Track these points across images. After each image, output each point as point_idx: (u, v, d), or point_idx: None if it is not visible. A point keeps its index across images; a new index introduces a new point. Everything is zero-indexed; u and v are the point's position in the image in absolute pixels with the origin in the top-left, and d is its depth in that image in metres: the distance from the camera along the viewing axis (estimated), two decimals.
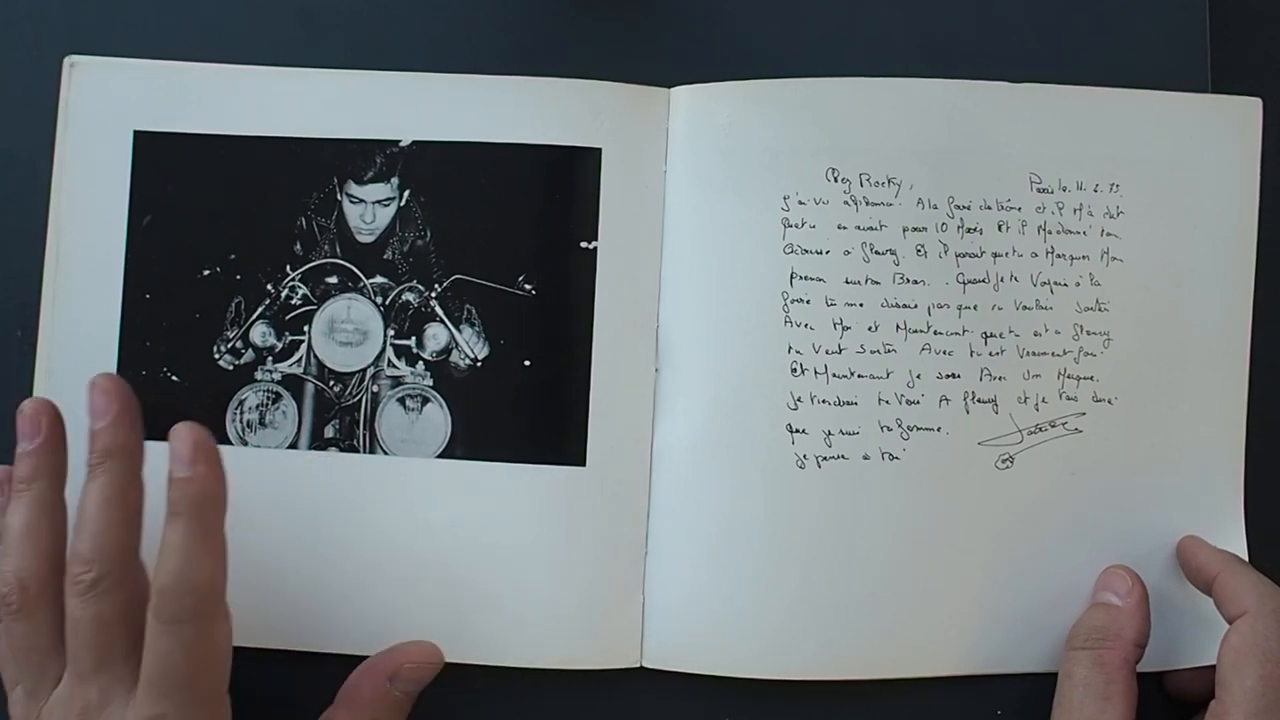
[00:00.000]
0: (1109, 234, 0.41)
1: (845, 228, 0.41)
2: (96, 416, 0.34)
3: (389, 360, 0.41)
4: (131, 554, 0.34)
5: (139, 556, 0.34)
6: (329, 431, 0.41)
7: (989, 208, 0.41)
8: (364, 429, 0.41)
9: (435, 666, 0.39)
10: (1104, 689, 0.37)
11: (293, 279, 0.41)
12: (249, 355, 0.41)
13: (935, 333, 0.41)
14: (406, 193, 0.41)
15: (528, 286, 0.41)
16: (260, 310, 0.41)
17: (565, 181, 0.41)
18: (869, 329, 0.40)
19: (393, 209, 0.41)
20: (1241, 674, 0.35)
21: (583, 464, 0.40)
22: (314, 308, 0.41)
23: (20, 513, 0.34)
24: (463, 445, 0.40)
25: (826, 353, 0.40)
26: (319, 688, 0.39)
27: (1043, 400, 0.41)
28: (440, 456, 0.40)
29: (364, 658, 0.39)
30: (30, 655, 0.34)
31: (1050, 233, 0.41)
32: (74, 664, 0.33)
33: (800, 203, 0.41)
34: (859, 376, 0.40)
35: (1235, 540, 0.41)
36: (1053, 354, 0.41)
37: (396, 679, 0.38)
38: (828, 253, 0.41)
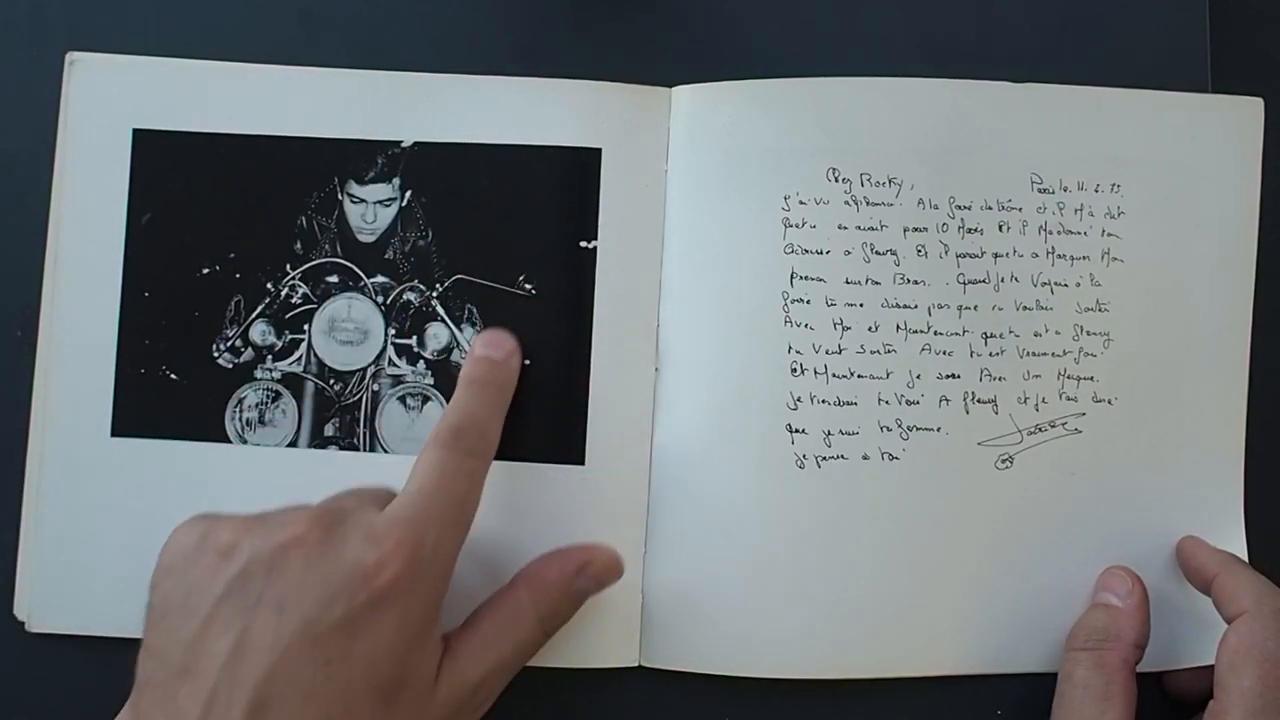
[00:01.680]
0: (1110, 234, 0.41)
1: (846, 228, 0.41)
2: (498, 350, 0.39)
3: (390, 359, 0.41)
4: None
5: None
6: (329, 430, 0.41)
7: (990, 208, 0.41)
8: (364, 427, 0.41)
9: (619, 574, 0.39)
10: (1104, 690, 0.37)
11: (293, 278, 0.41)
12: (248, 354, 0.41)
13: (935, 333, 0.41)
14: (408, 193, 0.41)
15: (528, 286, 0.41)
16: (260, 309, 0.41)
17: (566, 181, 0.41)
18: (869, 329, 0.40)
19: (394, 209, 0.41)
20: (1239, 674, 0.35)
21: (582, 463, 0.40)
22: (314, 307, 0.41)
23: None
24: None
25: (826, 353, 0.40)
26: None
27: (1043, 400, 0.41)
28: None
29: None
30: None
31: (1051, 233, 0.41)
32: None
33: (801, 202, 0.41)
34: (859, 376, 0.40)
35: (1235, 540, 0.41)
36: (1053, 354, 0.41)
37: (583, 574, 0.38)
38: (828, 253, 0.41)
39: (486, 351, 0.39)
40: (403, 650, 0.33)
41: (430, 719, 0.34)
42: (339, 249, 0.41)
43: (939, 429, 0.40)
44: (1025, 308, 0.41)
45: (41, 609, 0.40)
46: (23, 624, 0.40)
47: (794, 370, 0.40)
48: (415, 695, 0.33)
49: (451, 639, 0.35)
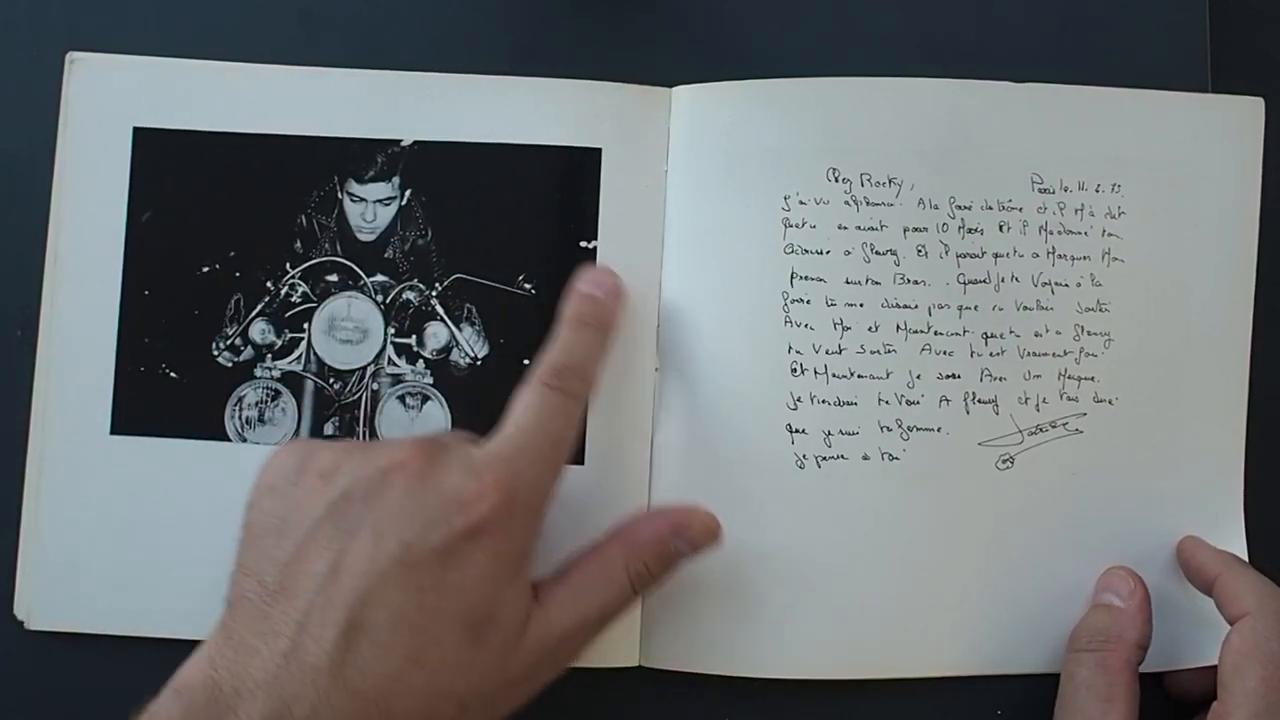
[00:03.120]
0: (1110, 234, 0.41)
1: (846, 228, 0.41)
2: (602, 288, 0.39)
3: (389, 358, 0.41)
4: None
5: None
6: (328, 429, 0.41)
7: (990, 208, 0.41)
8: (364, 426, 0.41)
9: (716, 539, 0.38)
10: (1107, 691, 0.37)
11: (292, 276, 0.41)
12: (248, 352, 0.41)
13: (936, 333, 0.41)
14: (408, 192, 0.41)
15: (528, 286, 0.41)
16: (260, 307, 0.41)
17: (566, 181, 0.41)
18: (869, 329, 0.40)
19: (394, 208, 0.41)
20: (1243, 676, 0.35)
21: (582, 462, 0.40)
22: (314, 305, 0.41)
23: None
24: None
25: (826, 353, 0.40)
26: None
27: (1043, 401, 0.41)
28: None
29: None
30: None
31: (1051, 233, 0.41)
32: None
33: (801, 203, 0.41)
34: (859, 377, 0.40)
35: (1235, 540, 0.41)
36: (1053, 354, 0.41)
37: (678, 536, 0.37)
38: (828, 253, 0.41)
39: (590, 289, 0.39)
40: (493, 586, 0.33)
41: (515, 664, 0.34)
42: (339, 248, 0.41)
43: (939, 429, 0.40)
44: (1026, 308, 0.41)
45: (41, 608, 0.40)
46: (22, 622, 0.40)
47: (794, 370, 0.40)
48: (503, 635, 0.33)
49: (541, 588, 0.36)
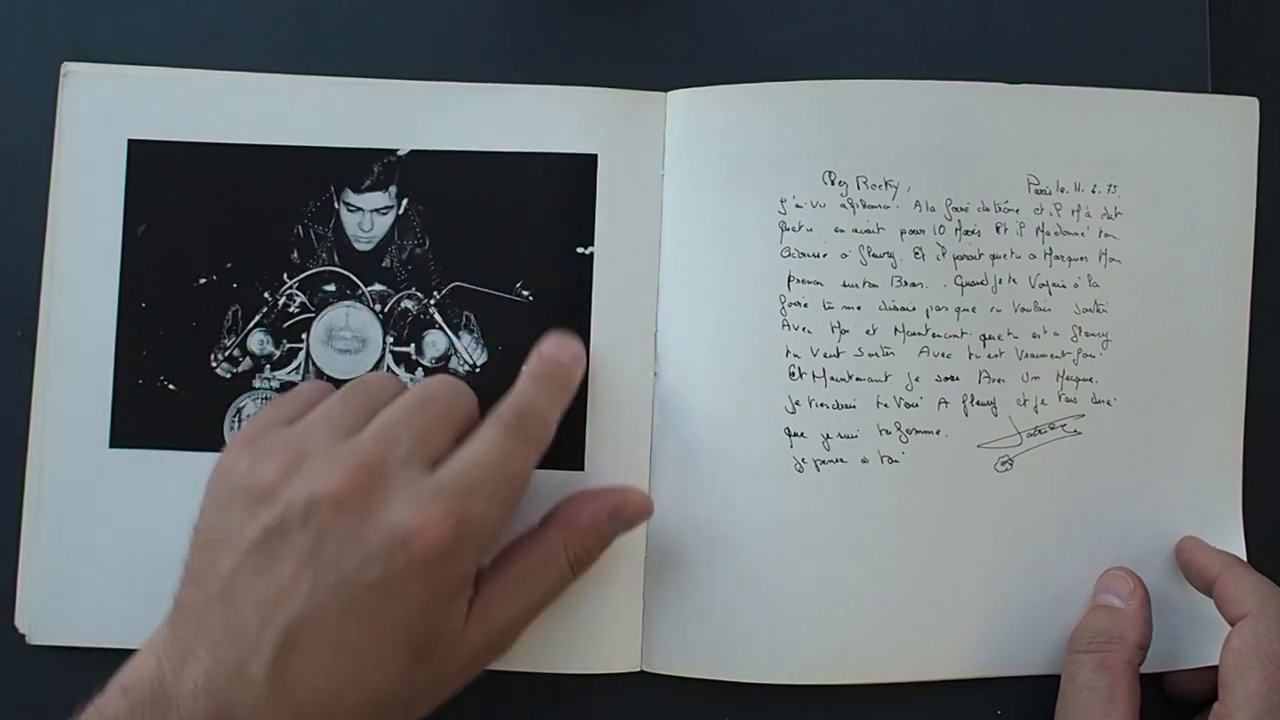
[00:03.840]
0: (1107, 235, 0.41)
1: (843, 230, 0.41)
2: (565, 352, 0.39)
3: (388, 367, 0.41)
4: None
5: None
6: None
7: (987, 209, 0.41)
8: None
9: (650, 514, 0.39)
10: (1108, 692, 0.37)
11: (290, 287, 0.41)
12: (247, 363, 0.41)
13: (933, 335, 0.41)
14: (405, 201, 0.41)
15: (526, 293, 0.41)
16: (258, 318, 0.41)
17: (562, 187, 0.41)
18: (867, 332, 0.40)
19: (391, 217, 0.41)
20: (1244, 676, 0.35)
21: (581, 468, 0.40)
22: (312, 315, 0.41)
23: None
24: None
25: (824, 356, 0.40)
26: None
27: (1042, 402, 0.41)
28: None
29: None
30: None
31: (1048, 234, 0.41)
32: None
33: (797, 206, 0.40)
34: (857, 379, 0.40)
35: (1234, 541, 0.41)
36: (1051, 356, 0.41)
37: (614, 517, 0.38)
38: (825, 256, 0.40)
39: (555, 352, 0.38)
40: (434, 613, 0.33)
41: (458, 660, 0.34)
42: (336, 257, 0.41)
43: (938, 431, 0.40)
44: (1023, 309, 0.41)
45: (43, 621, 0.40)
46: (24, 637, 0.40)
47: (792, 374, 0.40)
48: (445, 647, 0.34)
49: (481, 580, 0.35)
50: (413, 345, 0.41)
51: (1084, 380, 0.41)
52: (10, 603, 0.40)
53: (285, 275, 0.41)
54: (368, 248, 0.41)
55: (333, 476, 0.33)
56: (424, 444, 0.35)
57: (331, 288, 0.41)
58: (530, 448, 0.36)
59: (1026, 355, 0.41)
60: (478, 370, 0.41)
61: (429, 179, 0.41)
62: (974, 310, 0.41)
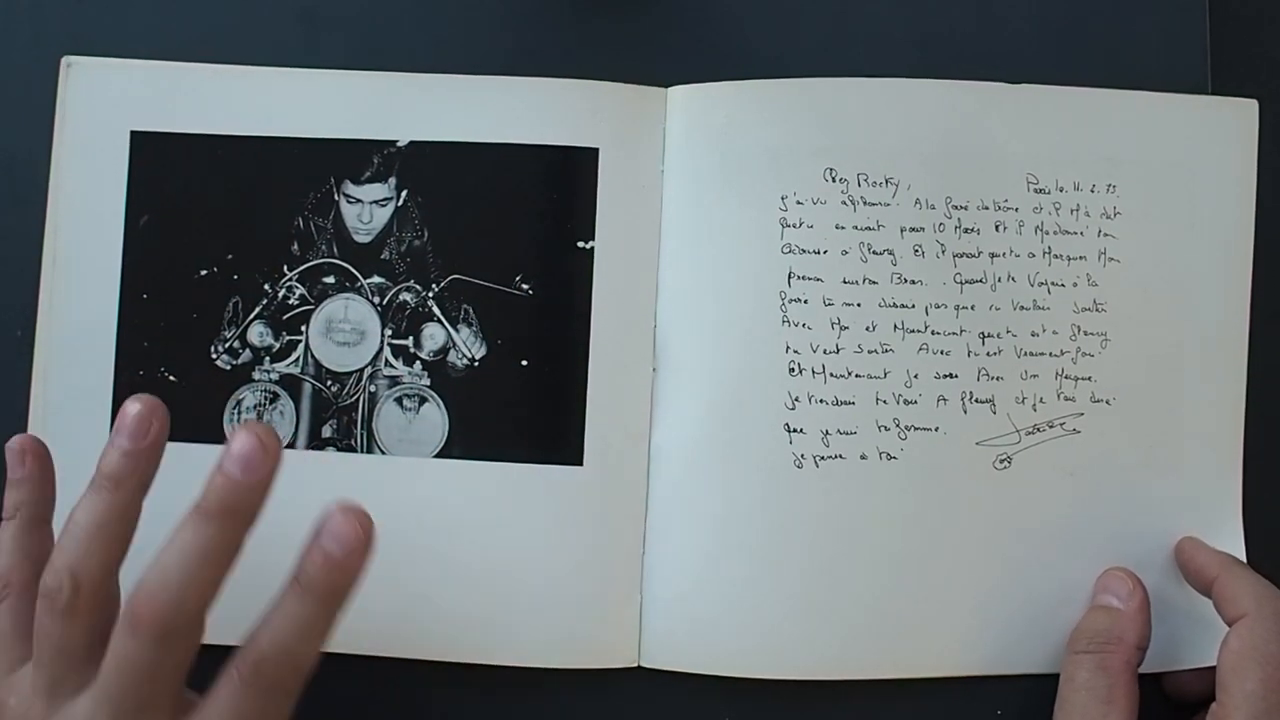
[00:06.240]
0: (1106, 234, 0.41)
1: (843, 228, 0.41)
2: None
3: (386, 360, 0.41)
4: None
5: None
6: (326, 431, 0.41)
7: (986, 208, 0.41)
8: (361, 429, 0.41)
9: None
10: (1106, 693, 0.37)
11: (290, 279, 0.41)
12: (246, 355, 0.41)
13: (933, 333, 0.41)
14: (404, 193, 0.41)
15: (525, 286, 0.41)
16: (258, 310, 0.41)
17: (562, 181, 0.41)
18: (867, 329, 0.40)
19: (390, 209, 0.41)
20: (1242, 677, 0.35)
21: (580, 464, 0.40)
22: (311, 307, 0.41)
23: (97, 512, 0.32)
24: (460, 445, 0.40)
25: (824, 352, 0.40)
26: (311, 685, 0.38)
27: (1040, 400, 0.41)
28: (437, 456, 0.40)
29: (359, 657, 0.39)
30: (60, 655, 0.32)
31: (1048, 233, 0.41)
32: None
33: (798, 203, 0.41)
34: (857, 376, 0.40)
35: (1233, 541, 0.41)
36: (1050, 354, 0.41)
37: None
38: (825, 253, 0.40)
39: (330, 545, 0.31)
40: None
41: None
42: (335, 249, 0.41)
43: (937, 429, 0.40)
44: (1022, 307, 0.41)
45: None
46: None
47: (792, 370, 0.40)
48: None
49: None
50: (411, 338, 0.41)
51: (1083, 379, 0.41)
52: None
53: (285, 267, 0.41)
54: (367, 239, 0.41)
55: None
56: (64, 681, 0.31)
57: (331, 280, 0.41)
58: (279, 698, 0.31)
59: (1025, 353, 0.41)
60: (476, 363, 0.41)
61: (429, 171, 0.41)
62: (973, 308, 0.41)
